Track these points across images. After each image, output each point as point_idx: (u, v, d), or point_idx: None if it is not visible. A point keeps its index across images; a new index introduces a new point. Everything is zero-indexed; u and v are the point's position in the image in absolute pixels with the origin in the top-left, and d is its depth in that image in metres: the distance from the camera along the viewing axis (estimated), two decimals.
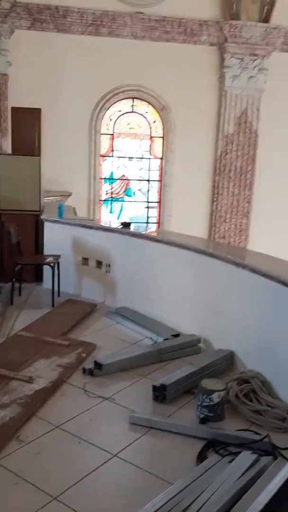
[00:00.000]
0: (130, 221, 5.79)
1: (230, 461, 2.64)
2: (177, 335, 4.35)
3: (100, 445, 2.88)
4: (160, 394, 3.37)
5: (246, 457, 2.61)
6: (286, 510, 2.20)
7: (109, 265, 5.28)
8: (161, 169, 8.98)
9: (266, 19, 8.49)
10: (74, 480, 2.54)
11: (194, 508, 2.26)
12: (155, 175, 9.03)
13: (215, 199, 8.93)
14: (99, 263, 5.41)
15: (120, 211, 9.16)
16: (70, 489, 2.48)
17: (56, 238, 5.77)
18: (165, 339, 4.25)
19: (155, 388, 3.40)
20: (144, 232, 5.30)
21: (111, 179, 9.01)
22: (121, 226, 5.30)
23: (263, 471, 2.47)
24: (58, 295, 5.42)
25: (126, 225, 5.32)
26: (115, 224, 5.81)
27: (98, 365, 3.71)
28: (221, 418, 3.17)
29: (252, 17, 8.47)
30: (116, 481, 2.61)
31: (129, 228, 5.23)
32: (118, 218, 9.13)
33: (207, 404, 3.13)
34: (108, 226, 5.63)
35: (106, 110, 8.61)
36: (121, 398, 3.41)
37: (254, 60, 8.61)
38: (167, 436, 3.01)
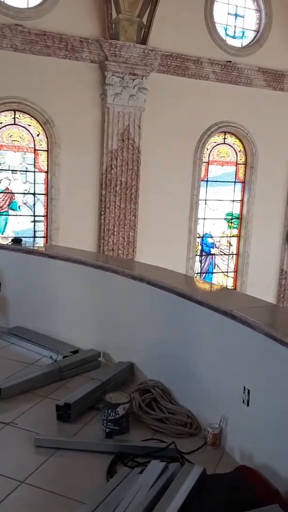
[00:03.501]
0: (20, 237, 5.62)
1: (140, 472, 2.71)
2: (76, 351, 4.34)
3: (5, 473, 2.77)
4: (64, 413, 3.34)
5: (155, 466, 2.70)
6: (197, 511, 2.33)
7: (0, 284, 5.07)
8: (46, 182, 8.86)
9: (143, 41, 8.90)
10: None
11: None
12: (41, 189, 8.89)
13: (102, 212, 9.06)
14: None
15: (5, 225, 8.83)
16: None
17: None
18: (64, 357, 4.21)
19: (58, 407, 3.36)
20: (35, 248, 5.19)
21: None
22: (12, 243, 5.13)
23: (173, 477, 2.58)
24: None
25: (17, 241, 5.17)
26: (3, 240, 5.60)
27: None
28: (126, 430, 3.24)
29: (131, 38, 8.81)
30: (27, 509, 2.53)
31: (21, 245, 5.09)
32: (2, 232, 8.79)
33: (113, 417, 3.19)
34: None
35: None
36: (24, 421, 3.31)
37: (134, 79, 8.95)
38: (74, 455, 3.00)
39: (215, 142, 10.24)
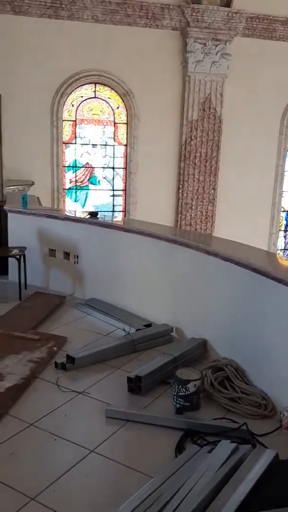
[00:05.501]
0: (97, 211, 5.68)
1: (209, 451, 2.63)
2: (149, 325, 4.32)
3: (77, 441, 2.82)
4: (135, 385, 3.34)
5: (225, 446, 2.60)
6: (267, 498, 2.21)
7: (77, 256, 5.17)
8: (125, 156, 8.86)
9: (227, 3, 8.45)
10: (51, 479, 2.48)
11: (175, 502, 2.24)
12: (120, 162, 8.91)
13: (180, 186, 8.91)
14: (66, 254, 5.29)
15: (85, 199, 9.01)
16: (48, 489, 2.41)
17: (21, 230, 5.60)
18: (137, 330, 4.21)
19: (129, 379, 3.36)
20: (111, 222, 5.21)
21: (74, 167, 8.83)
22: (89, 216, 5.19)
23: (243, 459, 2.47)
24: (25, 288, 5.28)
25: (93, 214, 5.21)
26: (82, 214, 5.69)
27: (70, 359, 3.63)
28: (197, 408, 3.17)
29: (214, 1, 8.41)
30: (95, 477, 2.56)
31: (97, 218, 5.13)
32: (83, 207, 8.98)
33: (183, 394, 3.12)
34: (76, 216, 5.51)
35: (68, 96, 8.40)
36: (96, 391, 3.36)
37: (217, 45, 8.58)
38: (144, 428, 2.98)
39: None
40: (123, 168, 8.92)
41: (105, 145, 8.84)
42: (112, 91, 8.60)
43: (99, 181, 8.98)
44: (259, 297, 3.42)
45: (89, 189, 9.00)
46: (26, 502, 2.30)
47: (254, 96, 8.95)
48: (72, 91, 8.41)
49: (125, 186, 8.96)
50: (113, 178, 8.99)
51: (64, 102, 8.38)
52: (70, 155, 8.73)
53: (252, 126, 9.04)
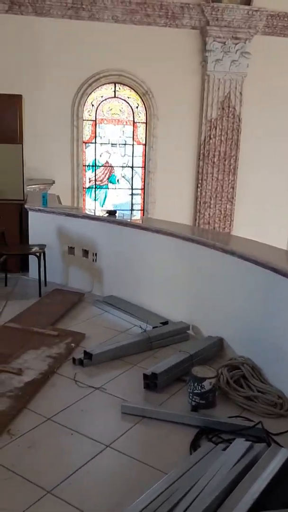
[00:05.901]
0: (115, 209, 5.72)
1: (224, 449, 2.64)
2: (165, 323, 4.34)
3: (93, 436, 2.86)
4: (151, 382, 3.36)
5: (239, 445, 2.60)
6: (280, 497, 2.21)
7: (96, 254, 5.22)
8: (144, 155, 8.90)
9: (248, 1, 8.40)
10: (67, 473, 2.52)
11: (188, 499, 2.25)
12: (139, 162, 8.95)
13: (199, 184, 8.89)
14: (85, 252, 5.35)
15: (104, 198, 9.08)
16: (64, 482, 2.45)
17: (41, 227, 5.68)
18: (154, 327, 4.23)
19: (145, 376, 3.38)
20: (129, 220, 5.24)
21: (94, 166, 8.90)
22: (107, 214, 5.24)
23: (257, 458, 2.47)
24: (45, 285, 5.36)
25: (111, 213, 5.26)
26: (101, 212, 5.75)
27: (88, 355, 3.68)
28: (213, 405, 3.17)
29: (234, 0, 8.38)
30: (110, 472, 2.60)
31: (115, 216, 5.17)
32: (102, 205, 9.05)
33: (199, 391, 3.13)
34: (94, 214, 5.57)
35: (88, 96, 8.47)
36: (112, 387, 3.39)
37: (236, 44, 8.54)
38: (159, 425, 3.00)
39: None
40: (142, 167, 8.96)
41: (124, 144, 8.88)
42: (132, 90, 8.64)
43: (118, 180, 9.03)
44: (276, 296, 3.40)
45: (108, 188, 9.06)
46: (43, 495, 2.35)
47: (274, 94, 8.88)
48: (92, 91, 8.48)
49: (144, 185, 9.00)
50: (132, 177, 9.04)
51: (85, 102, 8.45)
52: (90, 154, 8.80)
53: (272, 124, 8.97)
